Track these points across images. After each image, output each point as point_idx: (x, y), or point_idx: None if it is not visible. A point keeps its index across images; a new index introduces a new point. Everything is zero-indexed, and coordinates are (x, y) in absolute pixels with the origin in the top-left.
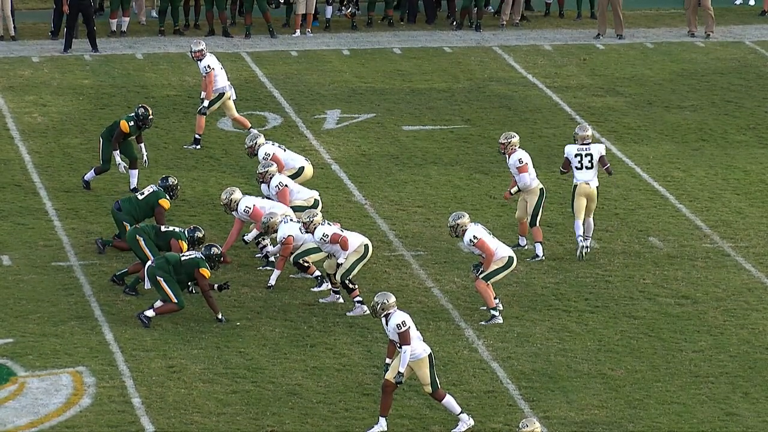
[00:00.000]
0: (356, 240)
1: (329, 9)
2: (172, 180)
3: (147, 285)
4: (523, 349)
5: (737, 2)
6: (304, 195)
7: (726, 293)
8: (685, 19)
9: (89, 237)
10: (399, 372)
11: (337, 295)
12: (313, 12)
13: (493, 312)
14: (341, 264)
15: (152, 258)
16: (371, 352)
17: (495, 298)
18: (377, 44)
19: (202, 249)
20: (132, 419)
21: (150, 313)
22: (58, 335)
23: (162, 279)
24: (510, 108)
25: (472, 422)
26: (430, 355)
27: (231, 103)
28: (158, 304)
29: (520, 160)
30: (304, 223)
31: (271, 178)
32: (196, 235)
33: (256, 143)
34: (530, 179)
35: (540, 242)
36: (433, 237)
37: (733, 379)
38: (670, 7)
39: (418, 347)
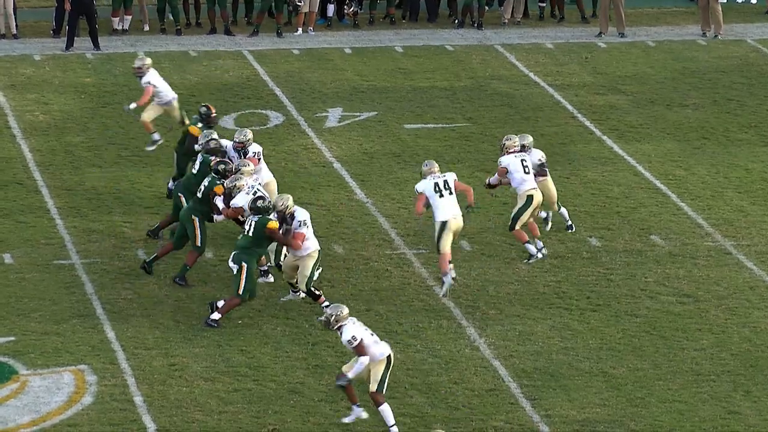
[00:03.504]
0: (312, 244)
1: (331, 7)
2: (204, 108)
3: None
4: (524, 348)
5: (739, 0)
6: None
7: (728, 291)
8: (699, 18)
9: (91, 235)
10: (347, 377)
11: (297, 293)
12: (315, 10)
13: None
14: (304, 274)
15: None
16: None
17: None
18: (379, 42)
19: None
20: (134, 417)
21: (216, 316)
22: (59, 333)
23: (247, 266)
24: (512, 106)
25: None
26: (388, 357)
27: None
28: (220, 303)
29: (499, 162)
30: (277, 210)
31: (249, 144)
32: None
33: (248, 140)
34: (517, 182)
35: (527, 242)
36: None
37: (734, 377)
38: (671, 6)
39: (376, 351)
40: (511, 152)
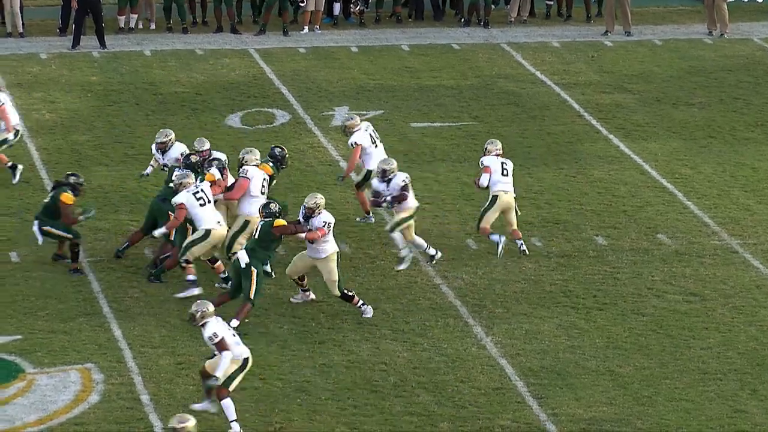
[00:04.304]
0: (332, 246)
1: (337, 6)
2: (278, 150)
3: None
4: (531, 346)
5: None
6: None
7: (734, 290)
8: (705, 16)
9: (97, 234)
10: (215, 376)
11: (308, 293)
12: (322, 9)
13: None
14: (332, 280)
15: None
16: (379, 349)
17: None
18: (385, 41)
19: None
20: (140, 416)
21: (235, 323)
22: (66, 332)
23: (256, 271)
24: (518, 105)
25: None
26: (245, 360)
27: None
28: (240, 308)
29: (481, 163)
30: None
31: (171, 147)
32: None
33: (169, 139)
34: (486, 182)
35: (491, 233)
36: (441, 234)
37: (741, 376)
38: (677, 5)
39: (235, 351)
40: (493, 154)
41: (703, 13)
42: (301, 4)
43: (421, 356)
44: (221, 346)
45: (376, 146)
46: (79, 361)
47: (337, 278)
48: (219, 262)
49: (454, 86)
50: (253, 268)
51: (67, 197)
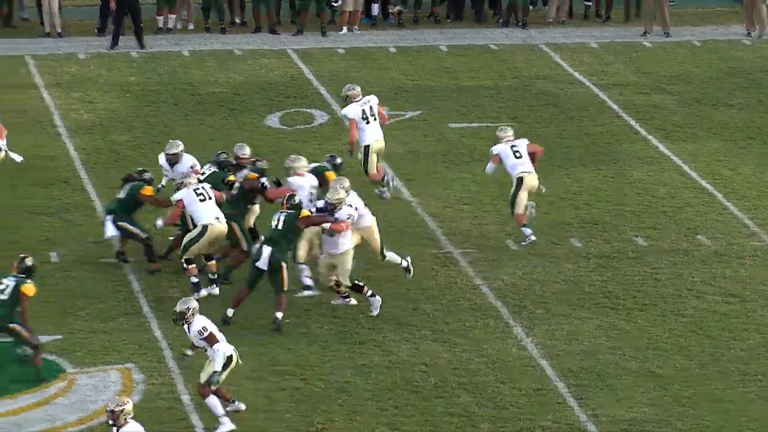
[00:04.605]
0: (349, 242)
1: (376, 6)
2: (340, 160)
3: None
4: (571, 347)
5: None
6: None
7: None
8: (744, 17)
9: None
10: (215, 371)
11: (348, 299)
12: (360, 9)
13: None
14: (345, 269)
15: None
16: (419, 350)
17: None
18: (424, 41)
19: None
20: (181, 416)
21: (280, 314)
22: (106, 332)
23: (284, 264)
24: (556, 106)
25: (232, 426)
26: (229, 357)
27: None
28: (280, 315)
29: (492, 152)
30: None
31: (181, 159)
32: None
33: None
34: (490, 171)
35: (524, 225)
36: (480, 234)
37: None
38: (716, 5)
39: (221, 347)
40: (503, 141)
41: (741, 14)
42: (334, 4)
43: (461, 357)
44: (211, 339)
45: (367, 122)
46: (120, 361)
47: (349, 268)
48: (213, 261)
49: (492, 87)
50: (282, 263)
51: (148, 189)
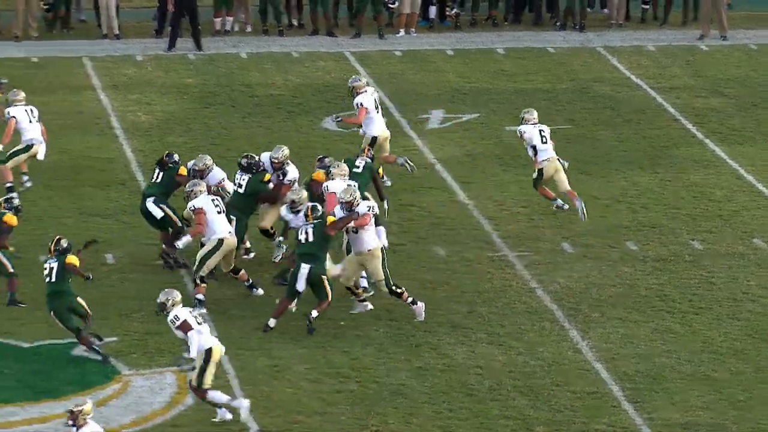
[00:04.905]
0: (376, 240)
1: (433, 9)
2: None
3: (302, 287)
4: (626, 350)
5: None
6: None
7: None
8: None
9: None
10: (183, 357)
11: (365, 303)
12: (417, 11)
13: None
14: (379, 279)
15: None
16: (475, 353)
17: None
18: (481, 44)
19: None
20: (236, 418)
21: (315, 312)
22: (162, 333)
23: (324, 276)
24: (613, 109)
25: (230, 416)
26: (208, 350)
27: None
28: (314, 313)
29: (519, 132)
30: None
31: (209, 174)
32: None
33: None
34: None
35: (553, 198)
36: (536, 237)
37: None
38: None
39: (200, 341)
40: (530, 123)
41: None
42: (391, 6)
43: (516, 360)
44: (184, 327)
45: (378, 111)
46: None
47: (383, 277)
48: (243, 271)
49: (549, 90)
50: (322, 276)
51: (184, 169)
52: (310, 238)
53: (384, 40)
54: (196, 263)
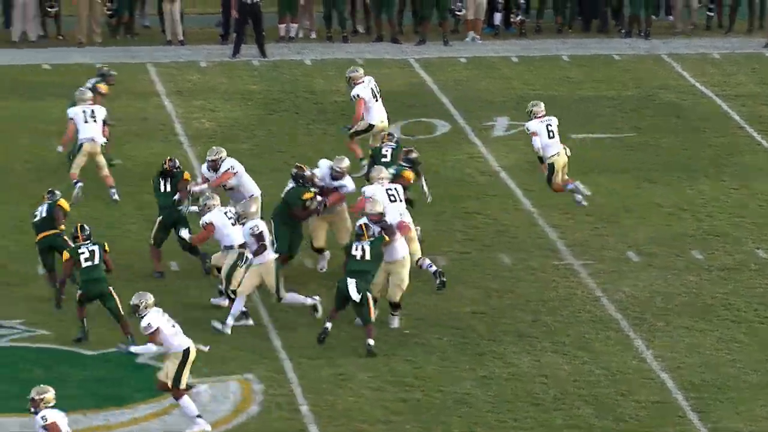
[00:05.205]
0: (404, 249)
1: (498, 16)
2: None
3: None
4: (692, 360)
5: None
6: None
7: None
8: None
9: None
10: (128, 348)
11: (396, 314)
12: (482, 18)
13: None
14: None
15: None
16: (540, 362)
17: None
18: (546, 51)
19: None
20: (300, 427)
21: (371, 341)
22: (226, 342)
23: (370, 296)
24: (679, 116)
25: (207, 427)
26: (185, 351)
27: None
28: (368, 331)
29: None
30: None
31: (222, 161)
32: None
33: (220, 157)
34: (538, 145)
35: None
36: (601, 246)
37: None
38: None
39: (174, 342)
40: (538, 117)
41: None
42: (458, 13)
43: (581, 369)
44: (153, 338)
45: (376, 100)
46: (239, 371)
47: (405, 287)
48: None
49: (614, 97)
50: (368, 293)
51: (188, 174)
52: (366, 256)
53: (449, 47)
54: (224, 282)
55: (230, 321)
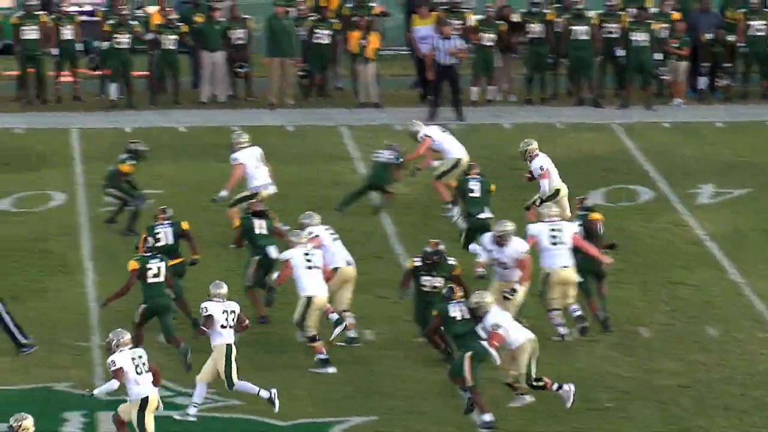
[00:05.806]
0: (521, 335)
1: (702, 80)
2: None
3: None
4: None
5: None
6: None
7: None
8: None
9: None
10: (91, 392)
11: (525, 396)
12: (684, 80)
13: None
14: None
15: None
16: None
17: None
18: (753, 117)
19: None
20: None
21: (487, 417)
22: (423, 413)
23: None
24: None
25: None
26: (144, 399)
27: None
28: (485, 417)
29: (541, 167)
30: (470, 307)
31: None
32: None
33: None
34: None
35: None
36: None
37: None
38: None
39: (133, 389)
40: (535, 155)
41: None
42: (663, 78)
43: None
44: (117, 375)
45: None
46: None
47: (525, 371)
48: (320, 341)
49: None
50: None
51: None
52: (467, 316)
53: (652, 112)
54: (300, 328)
55: (193, 410)
